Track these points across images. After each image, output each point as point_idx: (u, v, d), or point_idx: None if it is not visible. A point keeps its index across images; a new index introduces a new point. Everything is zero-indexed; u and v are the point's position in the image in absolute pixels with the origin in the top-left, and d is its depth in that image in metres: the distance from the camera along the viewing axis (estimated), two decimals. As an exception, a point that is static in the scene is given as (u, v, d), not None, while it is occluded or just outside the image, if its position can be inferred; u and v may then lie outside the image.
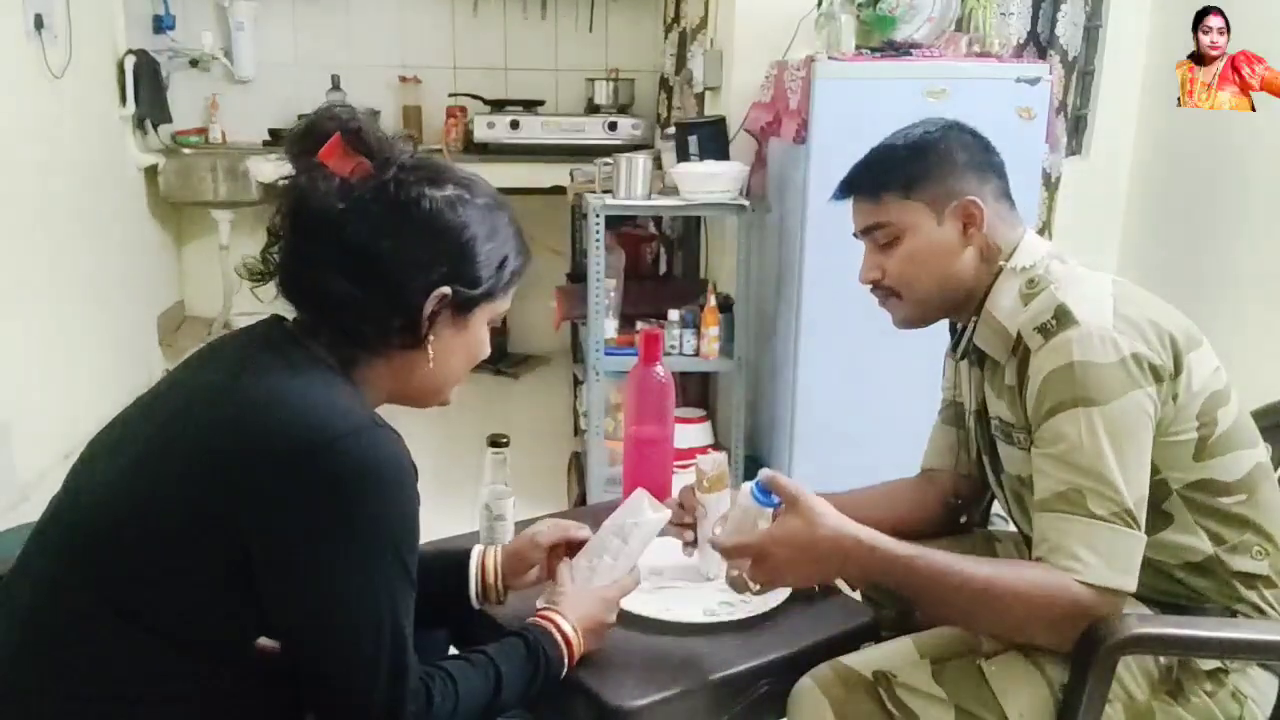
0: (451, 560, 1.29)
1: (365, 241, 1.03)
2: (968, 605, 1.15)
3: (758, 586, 1.19)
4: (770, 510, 1.20)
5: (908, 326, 1.40)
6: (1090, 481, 1.13)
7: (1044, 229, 3.12)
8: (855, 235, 1.39)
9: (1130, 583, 1.13)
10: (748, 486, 1.21)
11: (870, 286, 1.39)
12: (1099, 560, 1.11)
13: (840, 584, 1.39)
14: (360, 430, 0.98)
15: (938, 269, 1.32)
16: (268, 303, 1.12)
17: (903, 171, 1.32)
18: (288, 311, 1.10)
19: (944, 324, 1.42)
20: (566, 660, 1.15)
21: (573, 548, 1.29)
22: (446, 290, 1.07)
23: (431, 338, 1.08)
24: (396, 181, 1.05)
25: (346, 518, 0.96)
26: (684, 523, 1.41)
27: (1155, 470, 1.20)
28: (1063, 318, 1.19)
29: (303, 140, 1.06)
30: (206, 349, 1.12)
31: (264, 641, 1.02)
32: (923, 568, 1.14)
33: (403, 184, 1.05)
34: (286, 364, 1.03)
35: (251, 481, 0.96)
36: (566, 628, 1.16)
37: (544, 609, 1.19)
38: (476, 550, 1.30)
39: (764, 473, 1.21)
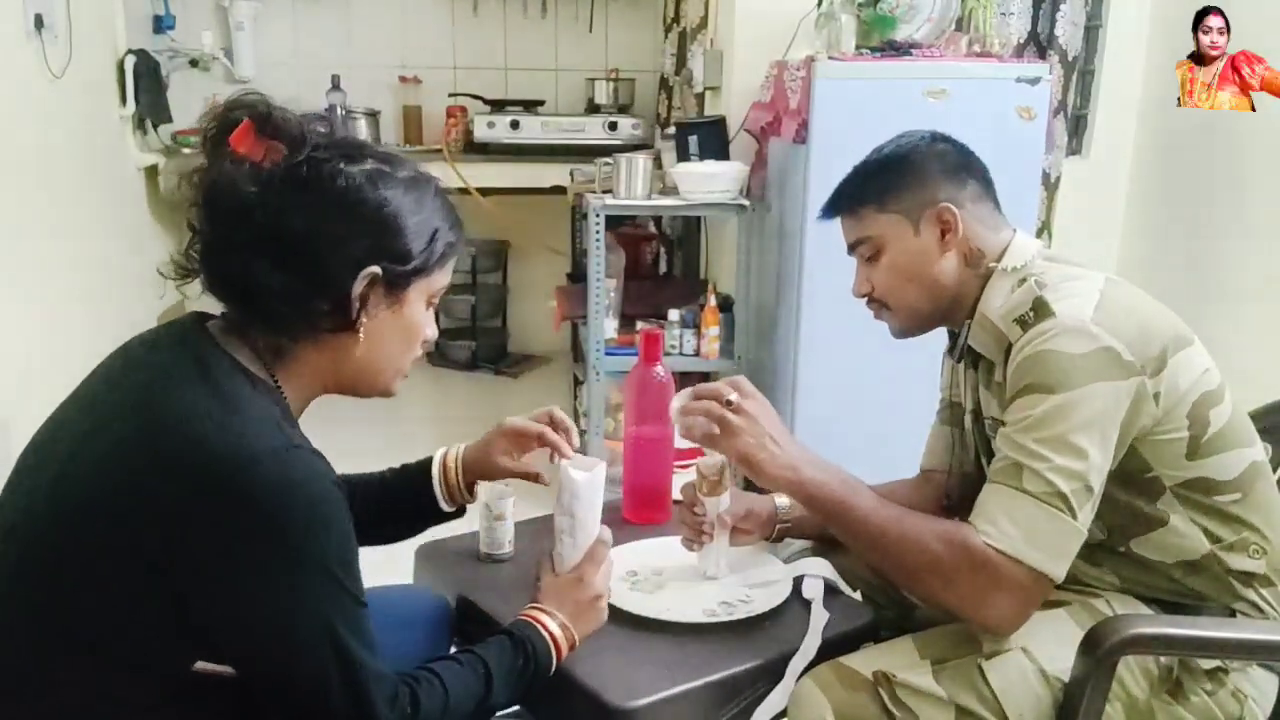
0: (414, 470, 1.37)
1: (280, 222, 1.00)
2: (871, 544, 1.21)
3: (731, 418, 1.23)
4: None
5: (903, 336, 1.42)
6: (1030, 460, 1.15)
7: (1044, 229, 3.12)
8: (848, 253, 1.42)
9: (1051, 565, 1.13)
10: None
11: (864, 300, 1.41)
12: (1017, 531, 1.13)
13: (840, 584, 1.40)
14: (275, 452, 0.95)
15: (920, 277, 1.35)
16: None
17: (876, 186, 1.36)
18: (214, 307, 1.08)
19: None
20: (555, 653, 1.15)
21: (525, 439, 1.39)
22: (376, 269, 1.03)
23: (364, 319, 1.05)
24: (310, 161, 1.02)
25: (265, 541, 0.94)
26: (695, 514, 1.42)
27: (1147, 468, 1.22)
28: (1040, 309, 1.22)
29: (216, 133, 1.04)
30: (124, 353, 1.09)
31: (203, 665, 1.00)
32: (834, 496, 1.22)
33: (316, 162, 1.02)
34: (203, 373, 0.99)
35: (166, 506, 0.93)
36: (550, 623, 1.16)
37: (527, 608, 1.19)
38: (439, 454, 1.37)
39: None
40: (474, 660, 1.10)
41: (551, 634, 1.16)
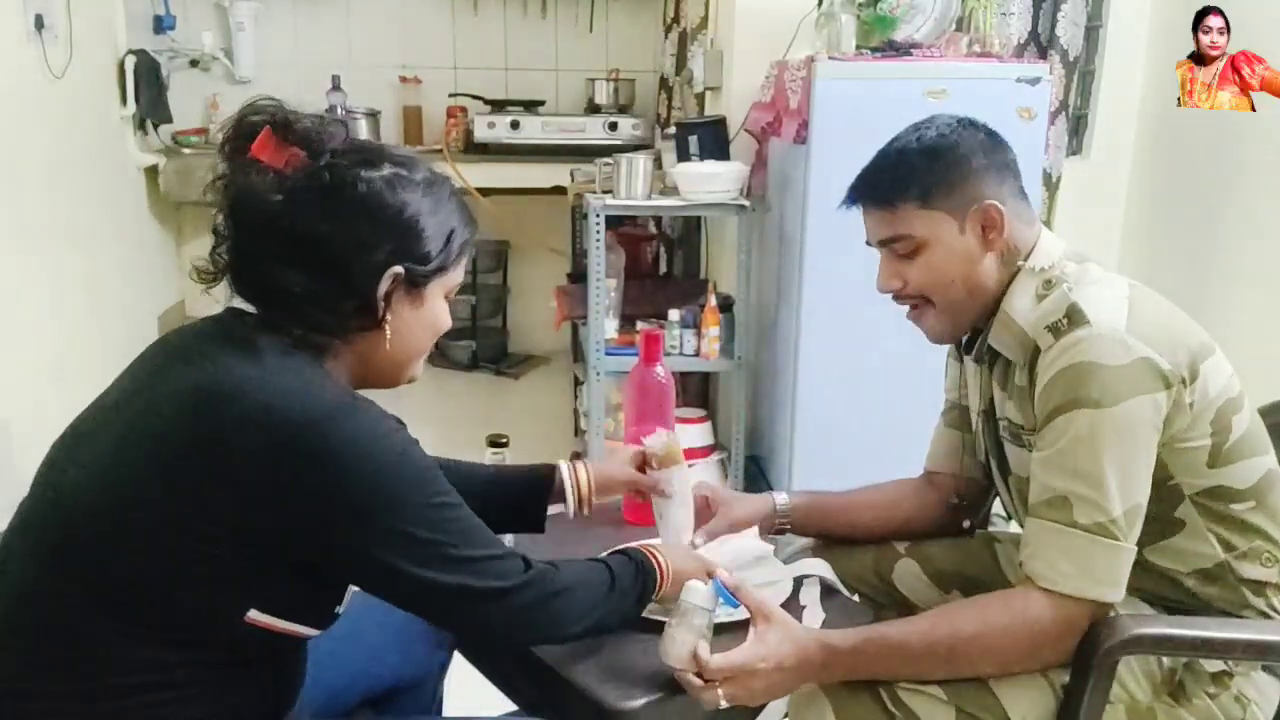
0: (524, 476, 1.39)
1: (306, 230, 1.03)
2: (945, 667, 1.15)
3: (725, 704, 1.13)
4: (716, 611, 1.18)
5: (943, 340, 1.35)
6: (1080, 487, 1.12)
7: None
8: (869, 244, 1.33)
9: (1112, 593, 1.12)
10: (698, 586, 1.17)
11: (890, 296, 1.33)
12: (1077, 571, 1.11)
13: (837, 584, 1.39)
14: (341, 406, 0.99)
15: (962, 276, 1.27)
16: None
17: (918, 179, 1.25)
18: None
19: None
20: (660, 580, 1.20)
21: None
22: (399, 269, 1.06)
23: (389, 317, 1.08)
24: (330, 167, 1.05)
25: (345, 496, 0.97)
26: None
27: (1169, 476, 1.19)
28: (1074, 316, 1.17)
29: (234, 139, 1.06)
30: (164, 346, 1.11)
31: (255, 615, 1.01)
32: (881, 645, 1.15)
33: (337, 168, 1.05)
34: (252, 353, 1.02)
35: (239, 472, 0.95)
36: (661, 558, 1.22)
37: (641, 543, 1.27)
38: (564, 466, 1.39)
39: (726, 578, 1.20)
40: (595, 564, 1.17)
41: (661, 566, 1.21)
